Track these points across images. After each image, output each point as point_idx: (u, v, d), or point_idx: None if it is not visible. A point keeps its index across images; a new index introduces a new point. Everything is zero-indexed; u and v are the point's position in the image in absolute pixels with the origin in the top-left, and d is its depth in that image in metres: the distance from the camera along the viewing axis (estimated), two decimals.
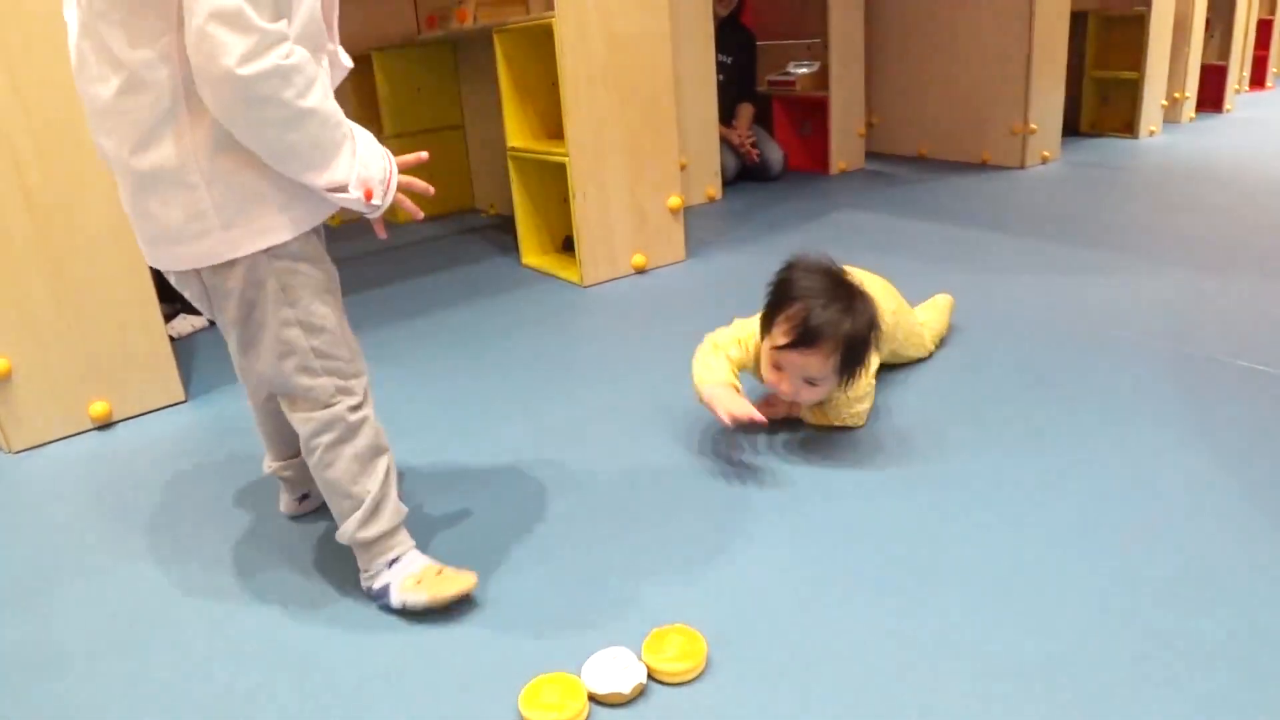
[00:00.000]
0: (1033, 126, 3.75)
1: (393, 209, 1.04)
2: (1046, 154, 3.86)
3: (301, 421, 1.08)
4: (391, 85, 3.61)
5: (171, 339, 1.96)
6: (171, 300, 2.17)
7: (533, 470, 1.47)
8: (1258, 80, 6.40)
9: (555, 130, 2.59)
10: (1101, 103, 4.75)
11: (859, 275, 1.47)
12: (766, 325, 1.42)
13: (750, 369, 1.50)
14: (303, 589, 1.18)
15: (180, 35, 0.87)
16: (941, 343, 1.85)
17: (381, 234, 1.10)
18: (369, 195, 0.97)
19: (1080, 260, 2.42)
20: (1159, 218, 2.89)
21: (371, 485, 1.10)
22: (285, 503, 1.38)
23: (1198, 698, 0.88)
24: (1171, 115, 4.87)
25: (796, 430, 1.53)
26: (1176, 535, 1.15)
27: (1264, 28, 6.25)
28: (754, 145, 3.82)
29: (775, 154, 3.90)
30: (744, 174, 3.86)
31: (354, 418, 1.08)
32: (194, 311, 2.39)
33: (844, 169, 4.01)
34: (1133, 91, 4.51)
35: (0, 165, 1.57)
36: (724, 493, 1.35)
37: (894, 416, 1.55)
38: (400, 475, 1.32)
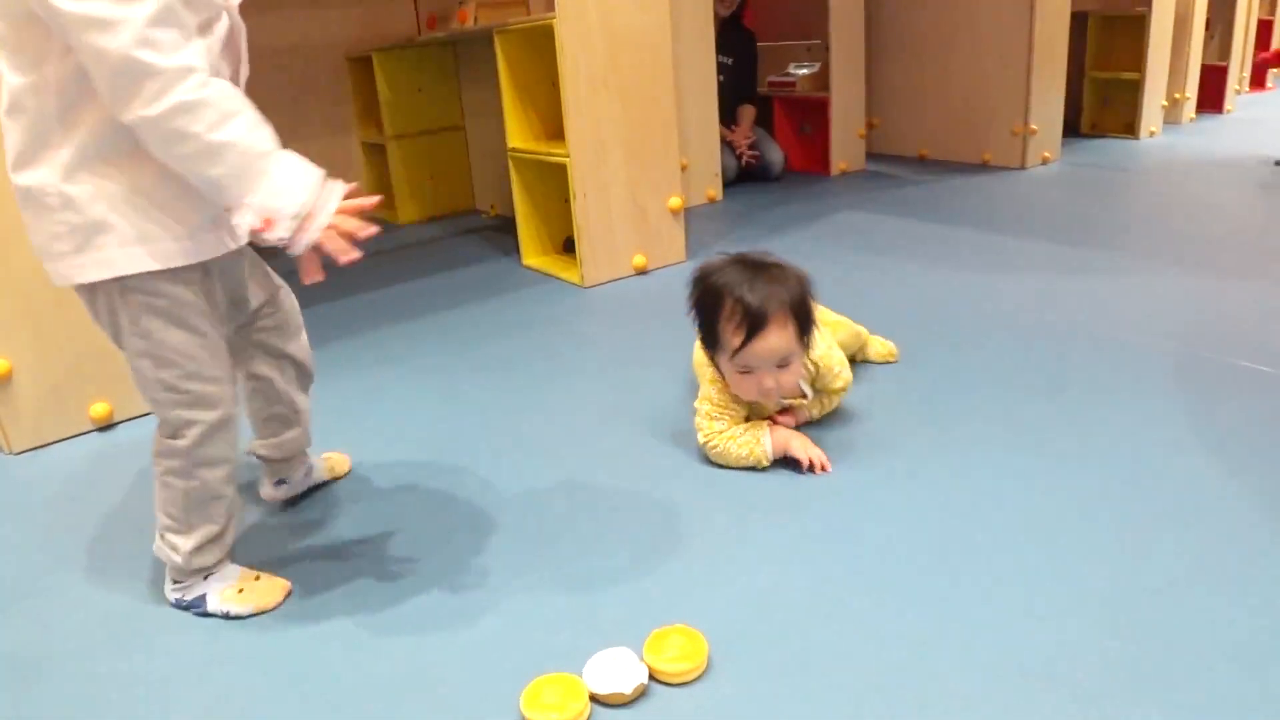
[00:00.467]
0: (1033, 127, 3.75)
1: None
2: (1047, 155, 3.86)
3: (155, 438, 1.10)
4: (392, 86, 3.61)
5: None
6: None
7: (533, 470, 1.47)
8: (1258, 81, 6.40)
9: (556, 131, 2.59)
10: (1102, 103, 4.76)
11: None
12: (713, 342, 1.39)
13: (729, 396, 1.44)
14: (304, 590, 1.18)
15: (59, 65, 0.90)
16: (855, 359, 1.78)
17: (307, 277, 0.98)
18: (268, 224, 0.92)
19: (1081, 260, 2.42)
20: (1159, 218, 2.89)
21: (199, 522, 1.12)
22: (265, 488, 1.39)
23: (1198, 698, 0.88)
24: (1172, 116, 4.88)
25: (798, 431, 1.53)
26: (1177, 535, 1.15)
27: (1264, 28, 6.25)
28: (754, 148, 3.83)
29: (776, 155, 3.90)
30: (744, 175, 3.86)
31: (198, 454, 1.08)
32: None
33: (844, 170, 4.01)
34: (1133, 92, 4.51)
35: (2, 165, 1.57)
36: (725, 493, 1.35)
37: (893, 416, 1.55)
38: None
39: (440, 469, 1.50)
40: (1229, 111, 5.33)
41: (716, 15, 3.56)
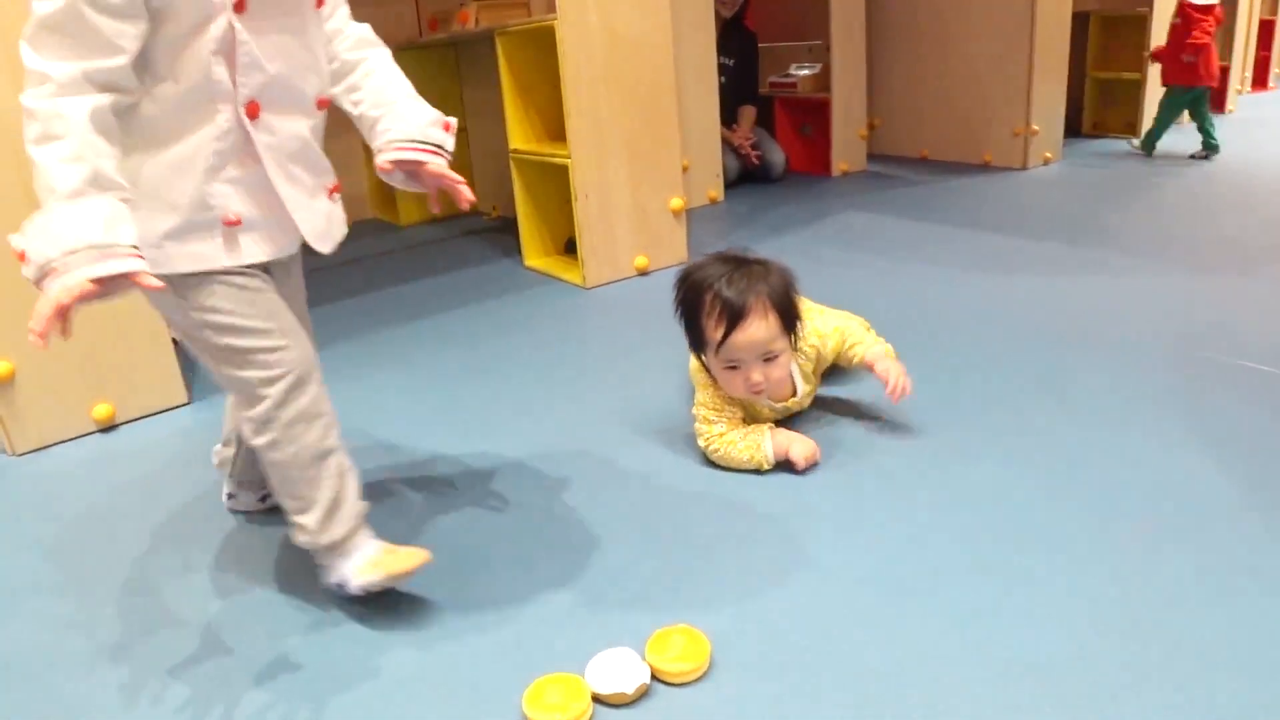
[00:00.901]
0: (1034, 128, 3.75)
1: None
2: (1048, 155, 3.86)
3: (242, 422, 1.08)
4: None
5: (175, 341, 1.96)
6: None
7: (535, 471, 1.47)
8: (1259, 81, 6.40)
9: (557, 132, 2.60)
10: (1103, 104, 4.75)
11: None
12: (698, 341, 1.39)
13: (724, 398, 1.43)
14: (306, 590, 1.18)
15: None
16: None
17: (39, 336, 0.87)
18: (20, 257, 0.88)
19: (1082, 261, 2.42)
20: (1160, 219, 2.89)
21: (311, 492, 1.07)
22: (244, 500, 1.39)
23: (1199, 698, 0.88)
24: None
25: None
26: (1177, 535, 1.15)
27: (1265, 28, 6.25)
28: (755, 148, 3.83)
29: (777, 156, 3.90)
30: (746, 176, 3.87)
31: (282, 414, 1.04)
32: None
33: (846, 171, 4.02)
34: (1134, 92, 4.50)
35: (3, 165, 1.57)
36: (726, 493, 1.35)
37: (893, 417, 1.55)
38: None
39: (440, 469, 1.50)
40: (1231, 111, 5.33)
41: (718, 16, 3.56)
